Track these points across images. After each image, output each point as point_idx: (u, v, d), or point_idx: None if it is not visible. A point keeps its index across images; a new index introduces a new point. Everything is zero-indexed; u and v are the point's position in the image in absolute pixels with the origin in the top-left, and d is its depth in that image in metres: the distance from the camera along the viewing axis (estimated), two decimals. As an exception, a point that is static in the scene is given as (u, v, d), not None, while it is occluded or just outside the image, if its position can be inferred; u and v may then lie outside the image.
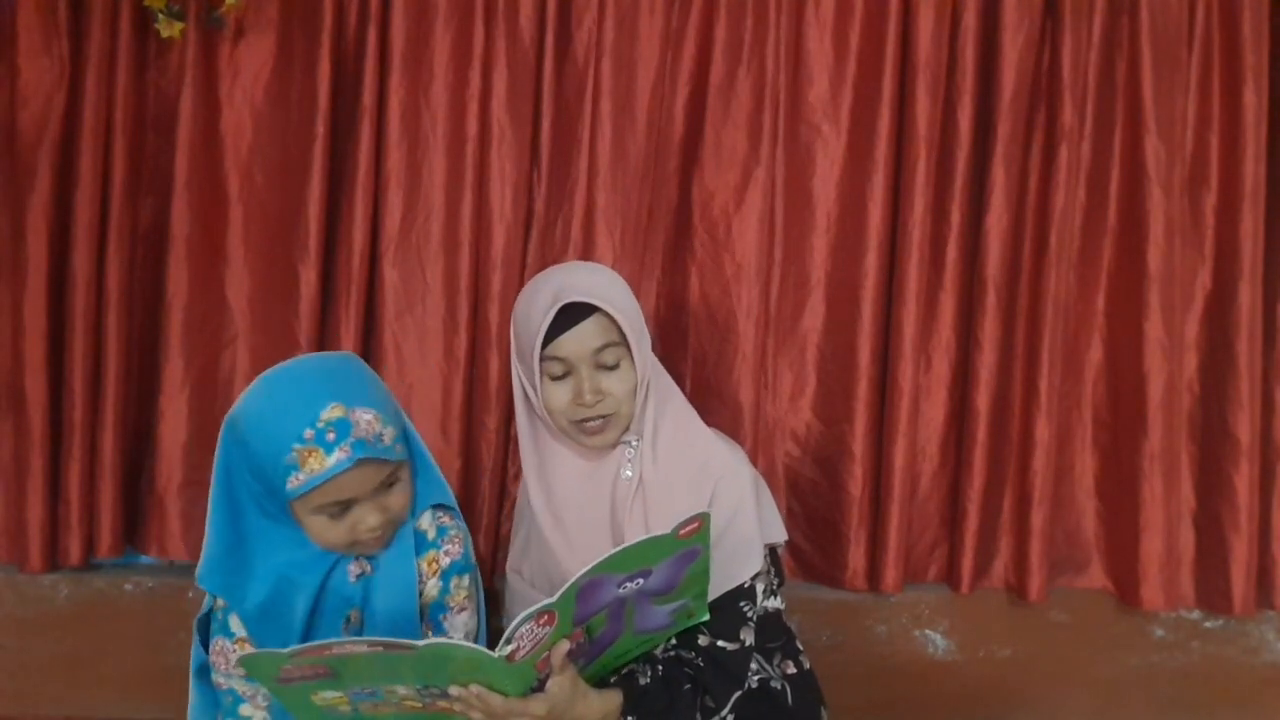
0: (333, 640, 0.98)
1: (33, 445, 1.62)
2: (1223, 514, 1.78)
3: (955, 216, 1.74)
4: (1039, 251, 1.74)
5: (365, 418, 1.10)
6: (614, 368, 1.26)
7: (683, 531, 1.08)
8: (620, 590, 1.09)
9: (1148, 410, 1.74)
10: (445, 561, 1.25)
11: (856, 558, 1.74)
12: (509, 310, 1.67)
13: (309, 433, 1.06)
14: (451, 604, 1.25)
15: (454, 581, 1.26)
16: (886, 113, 1.70)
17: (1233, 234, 1.78)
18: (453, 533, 1.27)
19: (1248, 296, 1.77)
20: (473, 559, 1.31)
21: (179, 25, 1.59)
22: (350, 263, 1.65)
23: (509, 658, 0.99)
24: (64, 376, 1.62)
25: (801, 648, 1.40)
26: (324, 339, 1.67)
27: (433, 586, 1.24)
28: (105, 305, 1.63)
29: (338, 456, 1.06)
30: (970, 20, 1.71)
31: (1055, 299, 1.73)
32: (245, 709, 1.19)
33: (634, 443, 1.31)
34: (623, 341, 1.26)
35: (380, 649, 0.97)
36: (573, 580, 1.02)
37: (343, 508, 1.12)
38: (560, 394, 1.26)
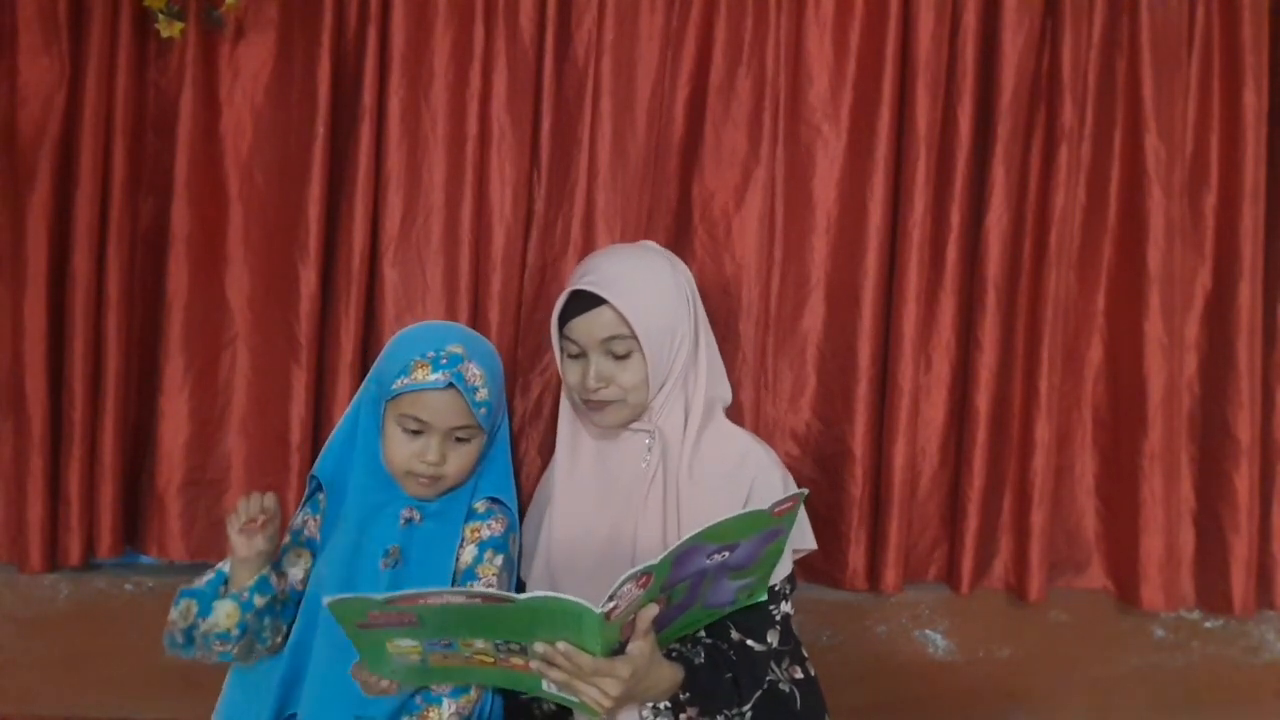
0: (430, 590, 1.00)
1: (33, 445, 1.62)
2: (1223, 514, 1.78)
3: (955, 217, 1.74)
4: (1039, 251, 1.74)
5: (474, 370, 1.30)
6: (624, 357, 1.29)
7: (778, 510, 1.11)
8: (708, 561, 1.10)
9: (1148, 410, 1.74)
10: (485, 534, 1.34)
11: (856, 558, 1.74)
12: (509, 310, 1.68)
13: (430, 353, 1.28)
14: (481, 574, 1.31)
15: (488, 554, 1.32)
16: (886, 113, 1.71)
17: (1233, 234, 1.78)
18: (500, 516, 1.37)
19: (1248, 296, 1.77)
20: (512, 552, 1.37)
21: (179, 25, 1.59)
22: (350, 263, 1.65)
23: (607, 615, 0.99)
24: (64, 376, 1.62)
25: (807, 655, 1.40)
26: (324, 339, 1.67)
27: (468, 553, 1.33)
28: (105, 305, 1.63)
29: (438, 376, 1.26)
30: (970, 20, 1.71)
31: (1055, 299, 1.73)
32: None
33: (652, 432, 1.32)
34: (634, 335, 1.27)
35: (478, 601, 0.99)
36: (676, 545, 1.04)
37: (418, 428, 1.28)
38: (572, 372, 1.33)
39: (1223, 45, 1.78)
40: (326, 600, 1.02)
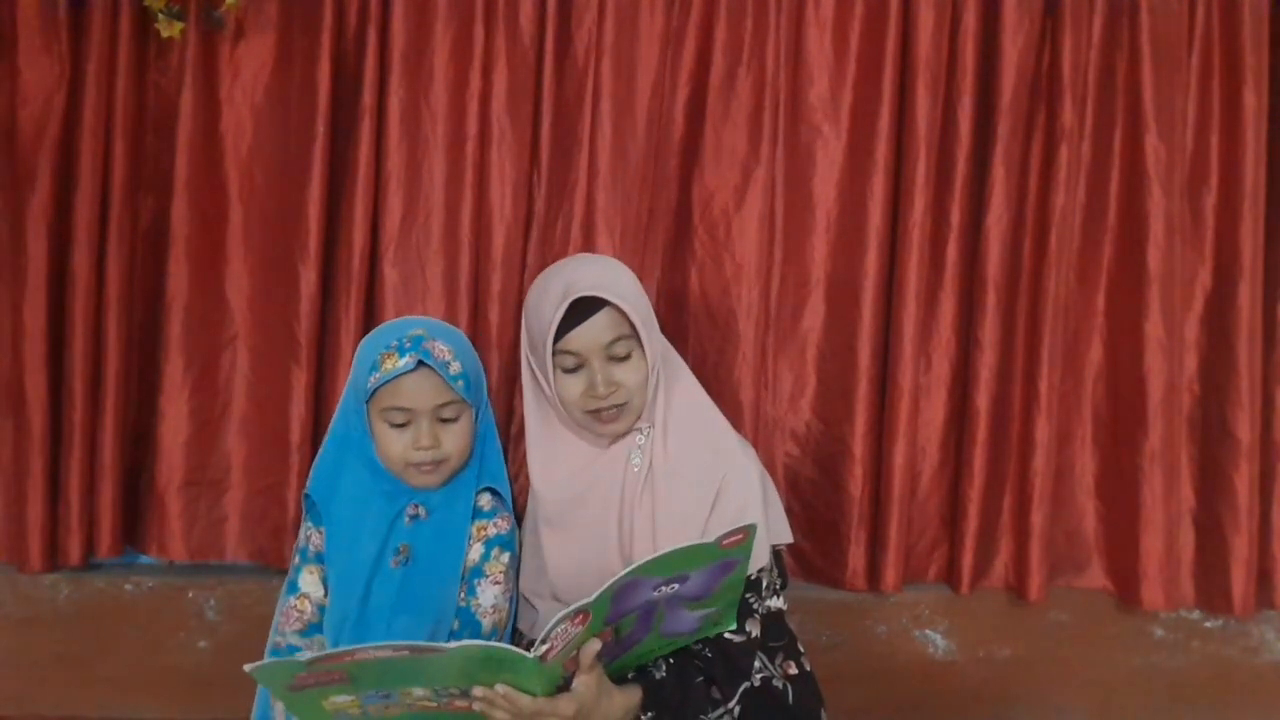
0: (356, 647, 0.98)
1: (33, 445, 1.62)
2: (1223, 514, 1.78)
3: (955, 216, 1.74)
4: (1039, 251, 1.74)
5: (441, 345, 1.31)
6: (625, 358, 1.29)
7: (725, 542, 1.09)
8: (655, 593, 1.10)
9: (1148, 410, 1.74)
10: (491, 532, 1.36)
11: (856, 558, 1.74)
12: (509, 310, 1.68)
13: (393, 343, 1.30)
14: (488, 571, 1.32)
15: (494, 551, 1.34)
16: (886, 113, 1.71)
17: (1233, 234, 1.78)
18: (504, 513, 1.39)
19: (1248, 296, 1.77)
20: (516, 546, 1.38)
21: (179, 25, 1.59)
22: (350, 263, 1.65)
23: (542, 658, 0.99)
24: (64, 376, 1.62)
25: (803, 650, 1.40)
26: (324, 339, 1.67)
27: (476, 551, 1.34)
28: (105, 305, 1.63)
29: (406, 359, 1.27)
30: (970, 20, 1.71)
31: (1055, 299, 1.73)
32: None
33: (645, 429, 1.32)
34: (633, 333, 1.29)
35: (407, 653, 0.98)
36: (611, 581, 1.03)
37: (404, 418, 1.29)
38: (574, 386, 1.29)
39: (1223, 45, 1.78)
40: (248, 667, 0.99)
